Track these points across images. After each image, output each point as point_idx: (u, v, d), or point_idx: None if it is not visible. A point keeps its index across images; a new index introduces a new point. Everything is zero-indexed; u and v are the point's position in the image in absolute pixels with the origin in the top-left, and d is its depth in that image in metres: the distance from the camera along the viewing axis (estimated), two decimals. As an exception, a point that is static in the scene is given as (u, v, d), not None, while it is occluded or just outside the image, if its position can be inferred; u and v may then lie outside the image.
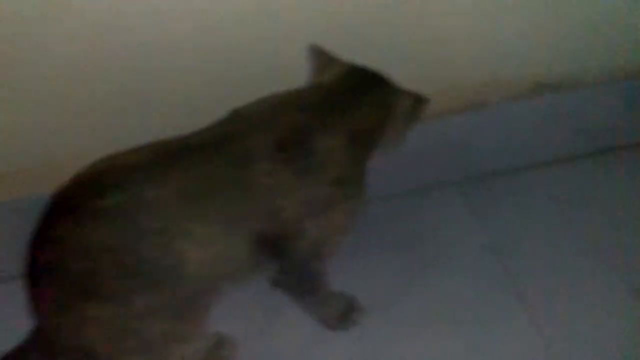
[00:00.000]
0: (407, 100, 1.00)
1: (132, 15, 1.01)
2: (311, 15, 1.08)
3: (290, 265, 0.96)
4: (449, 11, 1.14)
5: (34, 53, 1.01)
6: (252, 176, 0.86)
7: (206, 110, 0.94)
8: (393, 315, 1.15)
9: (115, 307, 0.84)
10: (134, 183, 0.83)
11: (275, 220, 0.88)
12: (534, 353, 1.09)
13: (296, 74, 1.02)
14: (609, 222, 1.26)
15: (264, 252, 0.91)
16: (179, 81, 1.11)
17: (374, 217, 1.27)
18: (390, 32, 1.14)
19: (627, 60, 1.32)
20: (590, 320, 1.11)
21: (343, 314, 1.14)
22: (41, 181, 1.00)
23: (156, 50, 1.06)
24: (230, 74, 1.11)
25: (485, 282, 1.18)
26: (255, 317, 1.15)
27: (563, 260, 1.21)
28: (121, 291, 0.83)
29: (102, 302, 0.83)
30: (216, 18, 1.05)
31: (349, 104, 0.95)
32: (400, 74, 1.02)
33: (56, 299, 0.83)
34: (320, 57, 1.02)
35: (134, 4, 1.00)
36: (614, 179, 1.35)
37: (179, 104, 1.13)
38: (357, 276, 1.18)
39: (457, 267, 1.21)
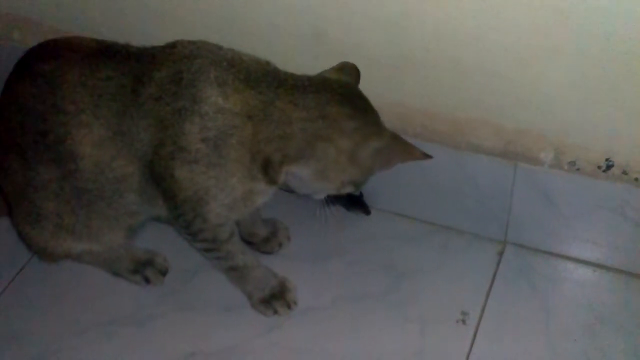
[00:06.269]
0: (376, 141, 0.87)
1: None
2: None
3: (170, 212, 0.92)
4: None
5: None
6: (142, 99, 0.86)
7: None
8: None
9: (24, 170, 0.94)
10: (68, 61, 0.89)
11: (153, 153, 0.87)
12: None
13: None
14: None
15: (152, 184, 0.90)
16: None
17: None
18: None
19: None
20: None
21: (270, 297, 1.04)
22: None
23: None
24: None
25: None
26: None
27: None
28: (31, 155, 0.92)
29: (18, 159, 0.94)
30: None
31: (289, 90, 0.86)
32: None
33: None
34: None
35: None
36: None
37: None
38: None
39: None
